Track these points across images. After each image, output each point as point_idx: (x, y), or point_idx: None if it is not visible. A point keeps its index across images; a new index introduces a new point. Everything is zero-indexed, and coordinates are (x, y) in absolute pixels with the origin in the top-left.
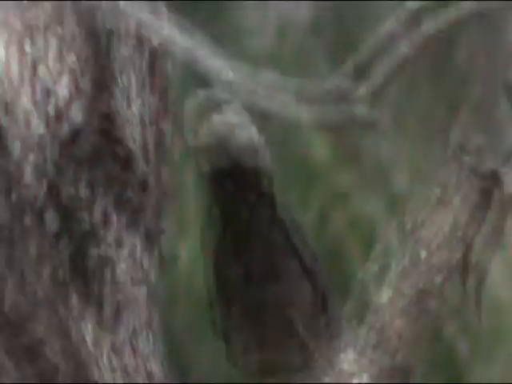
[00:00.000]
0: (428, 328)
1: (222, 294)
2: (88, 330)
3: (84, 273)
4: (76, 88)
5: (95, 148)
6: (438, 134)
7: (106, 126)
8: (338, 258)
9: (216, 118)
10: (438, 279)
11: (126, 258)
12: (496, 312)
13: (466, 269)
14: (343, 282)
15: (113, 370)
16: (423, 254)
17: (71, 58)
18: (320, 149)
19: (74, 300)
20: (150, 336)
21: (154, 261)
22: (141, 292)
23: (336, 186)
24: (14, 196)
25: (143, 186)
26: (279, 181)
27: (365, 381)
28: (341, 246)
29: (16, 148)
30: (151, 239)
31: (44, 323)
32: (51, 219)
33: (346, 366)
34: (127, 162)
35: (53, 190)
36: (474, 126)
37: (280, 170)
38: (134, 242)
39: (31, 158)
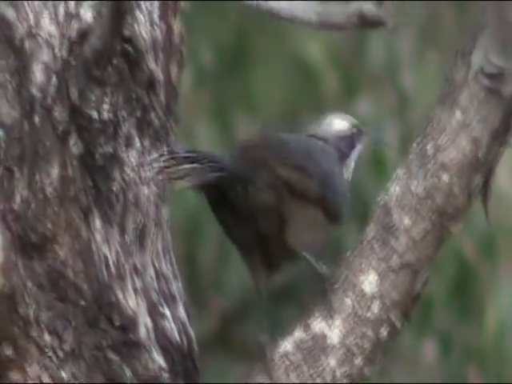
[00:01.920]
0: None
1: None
2: (111, 252)
3: (107, 196)
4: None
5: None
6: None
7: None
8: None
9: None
10: (459, 203)
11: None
12: (503, 213)
13: (486, 192)
14: (363, 205)
15: (135, 291)
16: (445, 177)
17: None
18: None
19: (97, 223)
20: (173, 258)
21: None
22: (163, 214)
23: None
24: (24, 93)
25: (151, 85)
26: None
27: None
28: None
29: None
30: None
31: (66, 245)
32: (60, 117)
33: (367, 288)
34: (136, 61)
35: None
36: (495, 49)
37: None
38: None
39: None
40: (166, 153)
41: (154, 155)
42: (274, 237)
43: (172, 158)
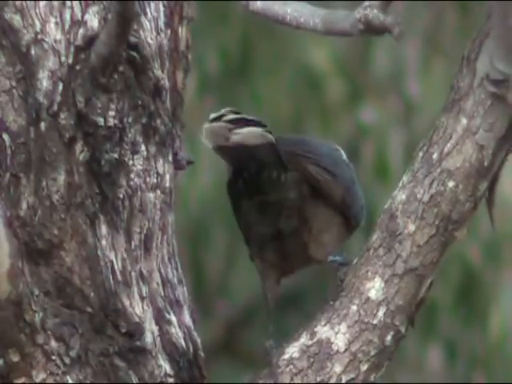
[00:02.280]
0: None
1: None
2: (117, 258)
3: (113, 202)
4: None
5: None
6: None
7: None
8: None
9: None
10: (465, 209)
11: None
12: (507, 217)
13: (492, 199)
14: (368, 211)
15: (142, 298)
16: (451, 184)
17: None
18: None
19: (104, 230)
20: (178, 264)
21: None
22: (168, 219)
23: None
24: (30, 100)
25: (157, 91)
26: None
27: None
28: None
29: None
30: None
31: (73, 252)
32: (66, 123)
33: (373, 295)
34: (142, 68)
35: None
36: (500, 55)
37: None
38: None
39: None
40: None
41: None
42: (293, 236)
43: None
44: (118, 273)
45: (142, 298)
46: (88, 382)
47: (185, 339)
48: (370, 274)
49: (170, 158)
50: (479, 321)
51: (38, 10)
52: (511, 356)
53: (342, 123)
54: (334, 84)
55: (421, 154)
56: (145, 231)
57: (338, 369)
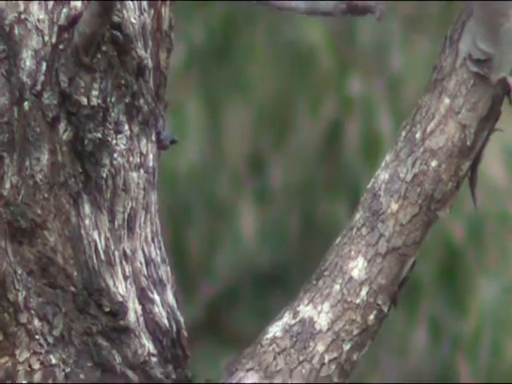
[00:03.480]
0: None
1: None
2: (100, 238)
3: (96, 181)
4: None
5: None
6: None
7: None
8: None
9: None
10: (448, 189)
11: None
12: (491, 197)
13: (474, 178)
14: (353, 191)
15: (125, 277)
16: (434, 163)
17: None
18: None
19: (87, 209)
20: (162, 243)
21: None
22: (152, 198)
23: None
24: (13, 80)
25: (141, 71)
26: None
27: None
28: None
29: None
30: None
31: (56, 231)
32: (50, 103)
33: (355, 274)
34: (125, 48)
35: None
36: (483, 35)
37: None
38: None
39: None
40: None
41: None
42: None
43: None
44: (101, 252)
45: (126, 278)
46: (71, 361)
47: (168, 318)
48: (352, 253)
49: (154, 138)
50: (462, 301)
51: None
52: (495, 337)
53: (330, 99)
54: (322, 58)
55: (404, 133)
56: (128, 211)
57: (320, 348)
